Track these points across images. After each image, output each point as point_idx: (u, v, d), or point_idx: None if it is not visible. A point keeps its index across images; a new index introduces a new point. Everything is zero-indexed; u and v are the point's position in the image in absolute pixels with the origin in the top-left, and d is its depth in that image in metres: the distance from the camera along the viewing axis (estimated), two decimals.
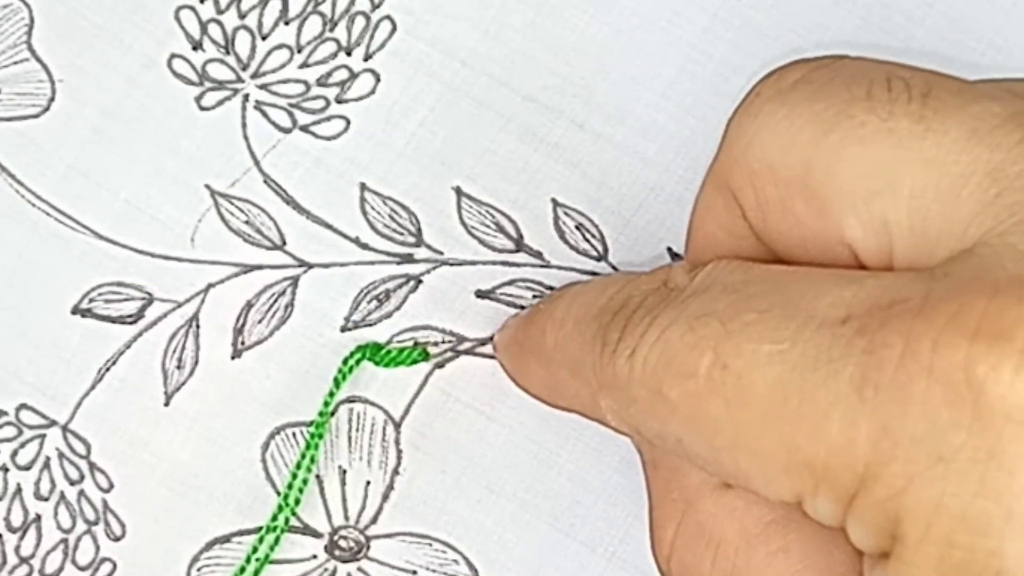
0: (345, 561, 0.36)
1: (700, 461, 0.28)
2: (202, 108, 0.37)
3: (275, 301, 0.36)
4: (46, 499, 0.36)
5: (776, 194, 0.28)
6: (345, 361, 0.35)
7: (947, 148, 0.26)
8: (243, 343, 0.36)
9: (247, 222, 0.36)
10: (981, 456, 0.23)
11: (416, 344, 0.36)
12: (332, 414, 0.36)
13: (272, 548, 0.35)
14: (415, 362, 0.36)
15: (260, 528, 0.36)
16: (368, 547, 0.36)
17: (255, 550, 0.35)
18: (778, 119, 0.27)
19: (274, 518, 0.35)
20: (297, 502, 0.35)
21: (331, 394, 0.35)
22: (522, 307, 0.36)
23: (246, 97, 0.37)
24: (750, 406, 0.25)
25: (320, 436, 0.35)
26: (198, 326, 0.36)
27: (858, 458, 0.24)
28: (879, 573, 0.26)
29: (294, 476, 0.35)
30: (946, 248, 0.25)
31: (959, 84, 0.27)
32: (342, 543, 0.36)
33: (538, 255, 0.36)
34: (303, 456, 0.35)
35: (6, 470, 0.36)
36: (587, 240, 0.36)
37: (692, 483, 0.30)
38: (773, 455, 0.25)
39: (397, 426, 0.36)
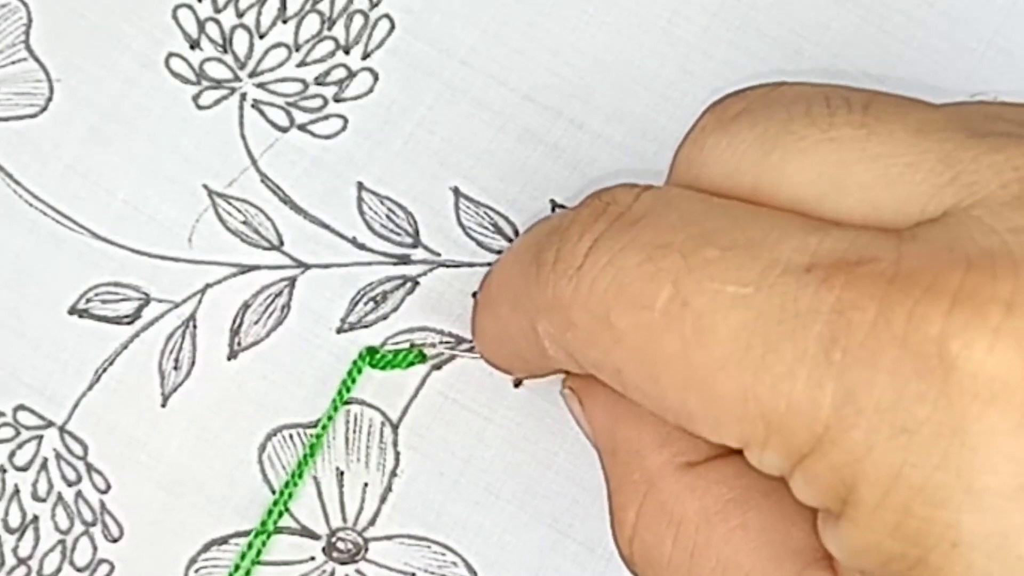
0: (343, 563, 0.36)
1: (638, 394, 0.27)
2: (200, 107, 0.37)
3: (272, 302, 0.36)
4: (44, 500, 0.36)
5: None
6: (349, 373, 0.35)
7: (893, 144, 0.26)
8: (240, 344, 0.36)
9: (244, 222, 0.36)
10: (945, 431, 0.23)
11: (412, 346, 0.36)
12: (330, 419, 0.36)
13: (260, 551, 0.35)
14: (412, 364, 0.36)
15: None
16: (366, 549, 0.36)
17: (243, 555, 0.35)
18: (722, 149, 0.28)
19: (264, 521, 0.35)
20: (287, 507, 0.35)
21: (335, 407, 0.35)
22: None
23: (244, 96, 0.37)
24: (709, 348, 0.25)
25: (313, 451, 0.35)
26: (195, 327, 0.36)
27: (819, 420, 0.24)
28: (830, 532, 0.26)
29: (287, 483, 0.35)
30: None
31: (899, 99, 0.27)
32: (340, 545, 0.36)
33: None
34: (300, 463, 0.35)
35: (4, 471, 0.36)
36: None
37: (653, 464, 0.30)
38: (728, 400, 0.25)
39: (395, 428, 0.36)
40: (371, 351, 0.36)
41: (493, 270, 0.32)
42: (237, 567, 0.35)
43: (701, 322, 0.25)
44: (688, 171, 0.28)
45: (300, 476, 0.35)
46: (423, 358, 0.36)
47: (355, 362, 0.35)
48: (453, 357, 0.36)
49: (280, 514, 0.35)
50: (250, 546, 0.35)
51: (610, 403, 0.31)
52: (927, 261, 0.24)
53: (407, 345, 0.36)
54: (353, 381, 0.35)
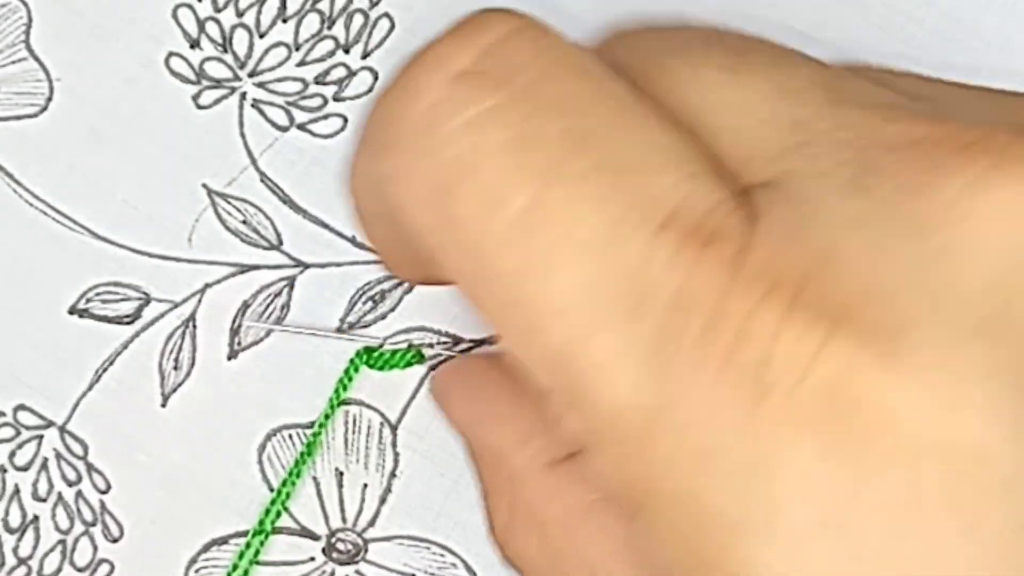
0: (343, 564, 0.36)
1: (454, 280, 0.24)
2: (199, 107, 0.37)
3: (272, 301, 0.36)
4: (44, 500, 0.36)
5: None
6: (346, 372, 0.35)
7: (751, 96, 0.24)
8: (239, 344, 0.36)
9: (244, 222, 0.36)
10: (750, 460, 0.22)
11: (411, 346, 0.36)
12: (327, 417, 0.36)
13: (258, 551, 0.35)
14: (410, 364, 0.35)
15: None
16: (366, 550, 0.36)
17: (242, 555, 0.35)
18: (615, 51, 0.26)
19: (261, 521, 0.35)
20: (285, 507, 0.35)
21: (332, 407, 0.35)
22: None
23: (243, 95, 0.36)
24: (548, 284, 0.23)
25: (311, 450, 0.35)
26: (195, 326, 0.36)
27: (628, 420, 0.22)
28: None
29: (284, 481, 0.35)
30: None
31: (774, 48, 0.26)
32: (340, 546, 0.36)
33: None
34: (297, 462, 0.35)
35: (4, 471, 0.36)
36: None
37: (518, 463, 0.29)
38: (550, 347, 0.23)
39: (394, 428, 0.36)
40: (368, 351, 0.35)
41: None
42: (235, 567, 0.35)
43: (550, 252, 0.23)
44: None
45: (298, 475, 0.35)
46: (421, 358, 0.35)
47: (352, 361, 0.35)
48: (451, 357, 0.36)
49: (278, 514, 0.35)
50: (248, 546, 0.35)
51: (470, 404, 0.30)
52: (768, 256, 0.22)
53: (404, 345, 0.36)
54: (350, 380, 0.35)
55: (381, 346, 0.36)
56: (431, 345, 0.36)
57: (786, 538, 0.22)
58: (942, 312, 0.22)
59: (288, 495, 0.35)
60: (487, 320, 0.24)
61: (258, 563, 0.35)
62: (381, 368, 0.35)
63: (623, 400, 0.22)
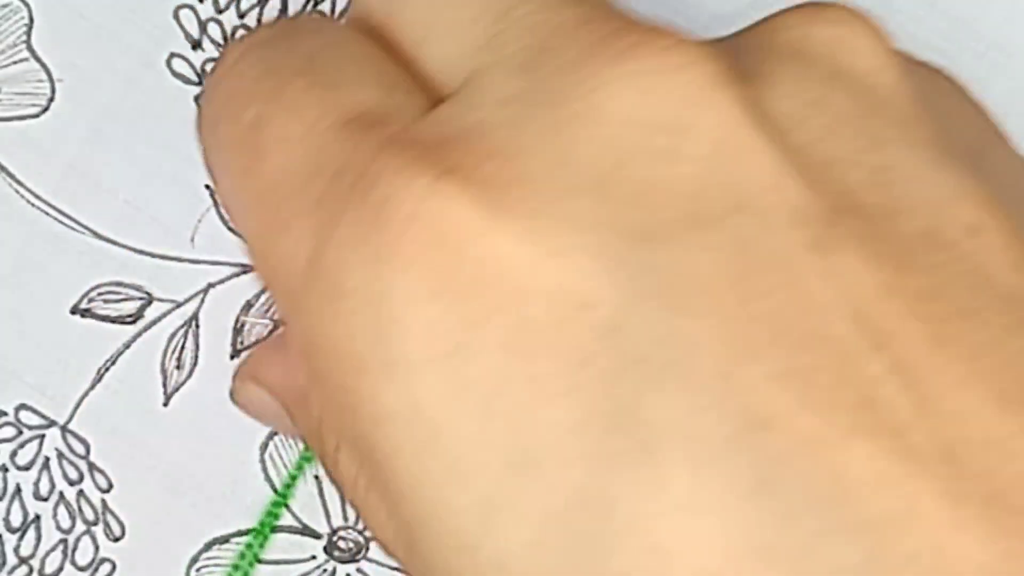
0: (345, 562, 0.36)
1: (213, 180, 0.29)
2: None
3: (274, 301, 0.36)
4: (45, 499, 0.36)
5: None
6: None
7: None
8: (242, 343, 0.36)
9: None
10: (371, 298, 0.23)
11: None
12: None
13: (260, 548, 0.35)
14: None
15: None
16: (367, 548, 0.36)
17: (242, 555, 0.35)
18: None
19: (262, 521, 0.35)
20: (285, 504, 0.35)
21: None
22: None
23: None
24: (254, 178, 0.26)
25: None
26: (197, 326, 0.36)
27: (295, 277, 0.25)
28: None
29: (290, 479, 0.35)
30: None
31: None
32: (341, 544, 0.36)
33: None
34: (302, 459, 0.35)
35: (5, 470, 0.36)
36: None
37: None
38: (245, 231, 0.26)
39: None
40: None
41: None
42: (236, 567, 0.35)
43: (261, 150, 0.26)
44: None
45: (300, 469, 0.35)
46: None
47: None
48: None
49: (277, 514, 0.35)
50: (249, 546, 0.35)
51: (284, 355, 0.31)
52: (417, 131, 0.24)
53: None
54: None
55: None
56: None
57: (402, 373, 0.23)
58: (556, 170, 0.23)
59: (289, 492, 0.35)
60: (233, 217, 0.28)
61: (259, 561, 0.35)
62: None
63: (288, 263, 0.25)
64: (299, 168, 0.25)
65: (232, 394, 0.34)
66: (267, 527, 0.35)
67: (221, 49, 0.37)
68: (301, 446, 0.36)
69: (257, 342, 0.36)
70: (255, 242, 0.26)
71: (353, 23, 0.28)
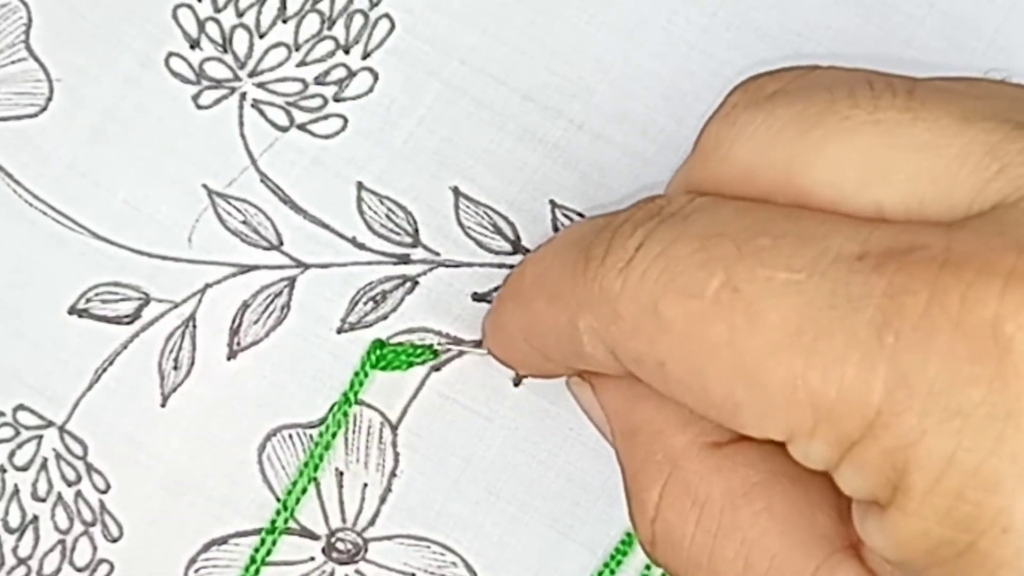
0: (343, 563, 0.36)
1: (680, 388, 0.27)
2: (199, 107, 0.37)
3: (271, 302, 0.36)
4: (43, 500, 0.36)
5: (757, 197, 0.27)
6: (362, 366, 0.35)
7: (939, 132, 0.26)
8: (239, 344, 0.36)
9: (244, 222, 0.36)
10: (1000, 413, 0.23)
11: (427, 345, 0.36)
12: (328, 417, 0.36)
13: (269, 551, 0.35)
14: (425, 361, 0.35)
15: (257, 530, 0.36)
16: (366, 549, 0.36)
17: (254, 556, 0.35)
18: (756, 124, 0.27)
19: (273, 522, 0.35)
20: (297, 501, 0.35)
21: (348, 402, 0.35)
22: None
23: (243, 96, 0.36)
24: (759, 335, 0.25)
25: (333, 435, 0.35)
26: (195, 326, 0.36)
27: (871, 404, 0.24)
28: (873, 523, 0.25)
29: (299, 476, 0.35)
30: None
31: (939, 83, 0.27)
32: (340, 545, 0.36)
33: None
34: (311, 455, 0.35)
35: (4, 471, 0.36)
36: None
37: (678, 444, 0.30)
38: (776, 388, 0.25)
39: (394, 428, 0.36)
40: (380, 344, 0.35)
41: (527, 263, 0.32)
42: (247, 570, 0.35)
43: (751, 308, 0.25)
44: (717, 148, 0.28)
45: (316, 469, 0.35)
46: (435, 355, 0.35)
47: (367, 355, 0.35)
48: (451, 358, 0.36)
49: (292, 515, 0.35)
50: (263, 542, 0.35)
51: (625, 385, 0.31)
52: (978, 247, 0.24)
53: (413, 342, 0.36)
54: (366, 375, 0.35)
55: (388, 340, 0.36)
56: (439, 344, 0.36)
57: None
58: None
59: (305, 489, 0.35)
60: (699, 406, 0.27)
61: (263, 563, 0.36)
62: (386, 367, 0.35)
63: (858, 393, 0.24)
64: (821, 305, 0.24)
65: (569, 381, 0.34)
66: (276, 528, 0.35)
67: (219, 49, 0.37)
68: (299, 446, 0.36)
69: (255, 343, 0.36)
70: (780, 392, 0.25)
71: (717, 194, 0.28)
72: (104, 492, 0.36)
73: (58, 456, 0.36)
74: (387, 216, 0.36)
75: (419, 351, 0.35)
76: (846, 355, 0.24)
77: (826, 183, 0.26)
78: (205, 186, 0.36)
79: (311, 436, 0.36)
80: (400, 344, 0.36)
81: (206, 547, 0.36)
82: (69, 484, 0.36)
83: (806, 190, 0.27)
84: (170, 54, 0.37)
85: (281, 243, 0.36)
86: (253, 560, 0.35)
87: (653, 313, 0.26)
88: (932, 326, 0.23)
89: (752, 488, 0.29)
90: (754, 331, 0.25)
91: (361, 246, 0.36)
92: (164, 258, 0.36)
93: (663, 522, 0.30)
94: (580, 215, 0.36)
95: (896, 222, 0.25)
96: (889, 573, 0.26)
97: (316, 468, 0.36)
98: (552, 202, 0.36)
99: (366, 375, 0.35)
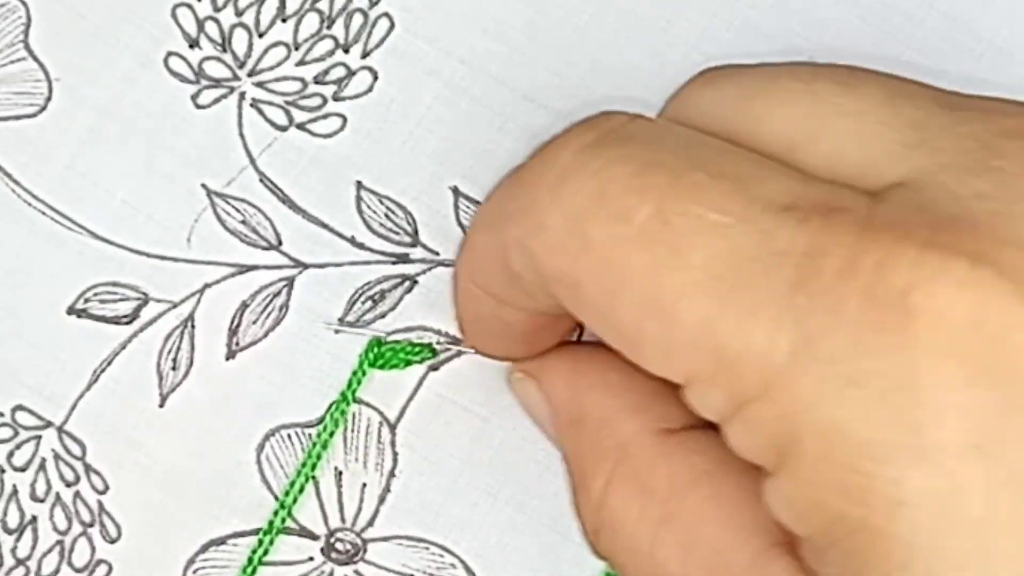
0: (342, 564, 0.36)
1: (591, 312, 0.27)
2: (198, 106, 0.36)
3: (270, 302, 0.36)
4: (42, 500, 0.36)
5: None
6: (360, 364, 0.35)
7: (868, 103, 0.26)
8: (238, 344, 0.36)
9: (243, 222, 0.36)
10: (899, 385, 0.23)
11: (424, 344, 0.36)
12: (326, 416, 0.36)
13: (266, 551, 0.35)
14: (425, 359, 0.35)
15: (256, 530, 0.36)
16: (365, 550, 0.36)
17: (252, 557, 0.35)
18: (706, 99, 0.28)
19: (271, 521, 0.35)
20: (295, 500, 0.35)
21: (347, 401, 0.35)
22: None
23: (242, 95, 0.36)
24: (680, 272, 0.25)
25: (331, 434, 0.35)
26: (193, 327, 0.36)
27: (772, 364, 0.24)
28: (772, 489, 0.25)
29: (296, 475, 0.35)
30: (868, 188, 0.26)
31: (882, 75, 0.27)
32: (338, 545, 0.36)
33: None
34: (309, 455, 0.35)
35: (2, 471, 0.36)
36: None
37: (628, 430, 0.30)
38: (685, 328, 0.25)
39: (393, 428, 0.36)
40: (378, 342, 0.35)
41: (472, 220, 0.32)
42: (244, 570, 0.35)
43: (678, 244, 0.25)
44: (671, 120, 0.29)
45: (314, 468, 0.35)
46: (433, 353, 0.35)
47: (365, 353, 0.35)
48: (449, 358, 0.36)
49: (289, 514, 0.35)
50: (261, 542, 0.35)
51: (574, 375, 0.31)
52: (896, 217, 0.24)
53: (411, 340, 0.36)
54: (364, 373, 0.35)
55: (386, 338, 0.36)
56: (439, 343, 0.36)
57: (936, 459, 0.23)
58: None
59: (302, 491, 0.35)
60: (604, 331, 0.27)
61: (263, 563, 0.35)
62: (384, 366, 0.35)
63: (762, 350, 0.24)
64: (744, 255, 0.24)
65: (510, 381, 0.34)
66: (275, 528, 0.35)
67: (218, 49, 0.36)
68: (298, 446, 0.36)
69: (254, 343, 0.36)
70: (689, 332, 0.25)
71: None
72: (102, 493, 0.36)
73: (56, 456, 0.36)
74: (386, 216, 0.36)
75: (417, 350, 0.35)
76: (758, 310, 0.24)
77: (761, 147, 0.27)
78: (204, 186, 0.36)
79: (310, 436, 0.36)
80: (398, 342, 0.36)
81: (204, 547, 0.36)
82: (68, 485, 0.36)
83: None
84: (169, 53, 0.37)
85: (280, 243, 0.36)
86: (251, 560, 0.35)
87: (578, 231, 0.26)
88: (844, 291, 0.23)
89: (700, 475, 0.29)
90: (676, 267, 0.25)
91: (360, 245, 0.36)
92: (163, 258, 0.36)
93: (608, 509, 0.30)
94: None
95: (825, 180, 0.26)
96: (821, 567, 0.26)
97: (315, 467, 0.35)
98: None
99: (364, 373, 0.35)
